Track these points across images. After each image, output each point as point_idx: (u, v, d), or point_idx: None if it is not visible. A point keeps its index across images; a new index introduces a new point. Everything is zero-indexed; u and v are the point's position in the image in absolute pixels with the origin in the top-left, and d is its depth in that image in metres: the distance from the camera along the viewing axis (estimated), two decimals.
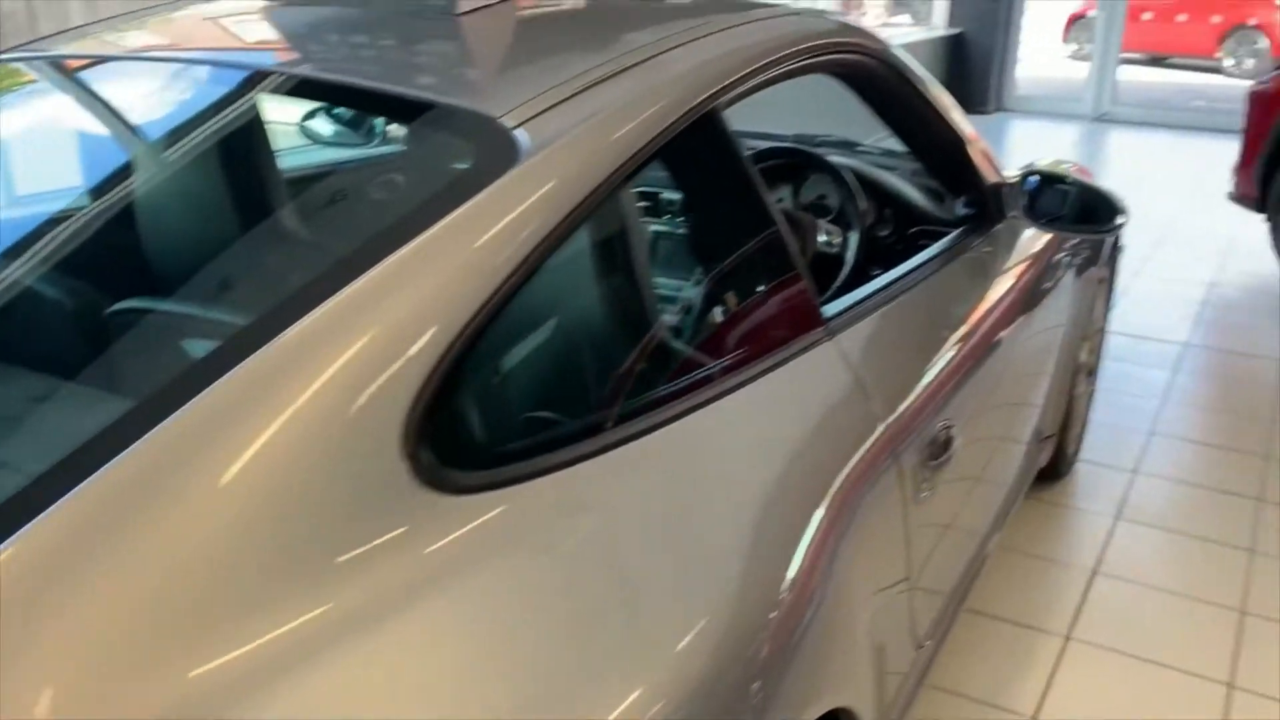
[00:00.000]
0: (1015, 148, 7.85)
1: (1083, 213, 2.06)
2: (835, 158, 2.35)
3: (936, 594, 1.71)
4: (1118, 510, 2.70)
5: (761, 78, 1.40)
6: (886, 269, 1.72)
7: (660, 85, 1.23)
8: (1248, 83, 4.97)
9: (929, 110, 1.88)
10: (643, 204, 2.04)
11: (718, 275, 1.41)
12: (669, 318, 1.41)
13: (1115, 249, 2.86)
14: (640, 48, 1.29)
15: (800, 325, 1.35)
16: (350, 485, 0.83)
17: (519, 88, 1.17)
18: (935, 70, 8.74)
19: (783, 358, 1.29)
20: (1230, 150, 4.84)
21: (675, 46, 1.32)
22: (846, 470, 1.27)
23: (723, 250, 1.39)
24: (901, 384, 1.48)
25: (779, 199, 2.28)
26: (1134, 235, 5.23)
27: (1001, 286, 1.97)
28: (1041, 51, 13.31)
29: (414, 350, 0.86)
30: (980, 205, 2.03)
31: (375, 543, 0.82)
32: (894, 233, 2.23)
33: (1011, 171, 2.15)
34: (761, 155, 2.28)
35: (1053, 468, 2.69)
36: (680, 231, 1.93)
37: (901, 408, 1.43)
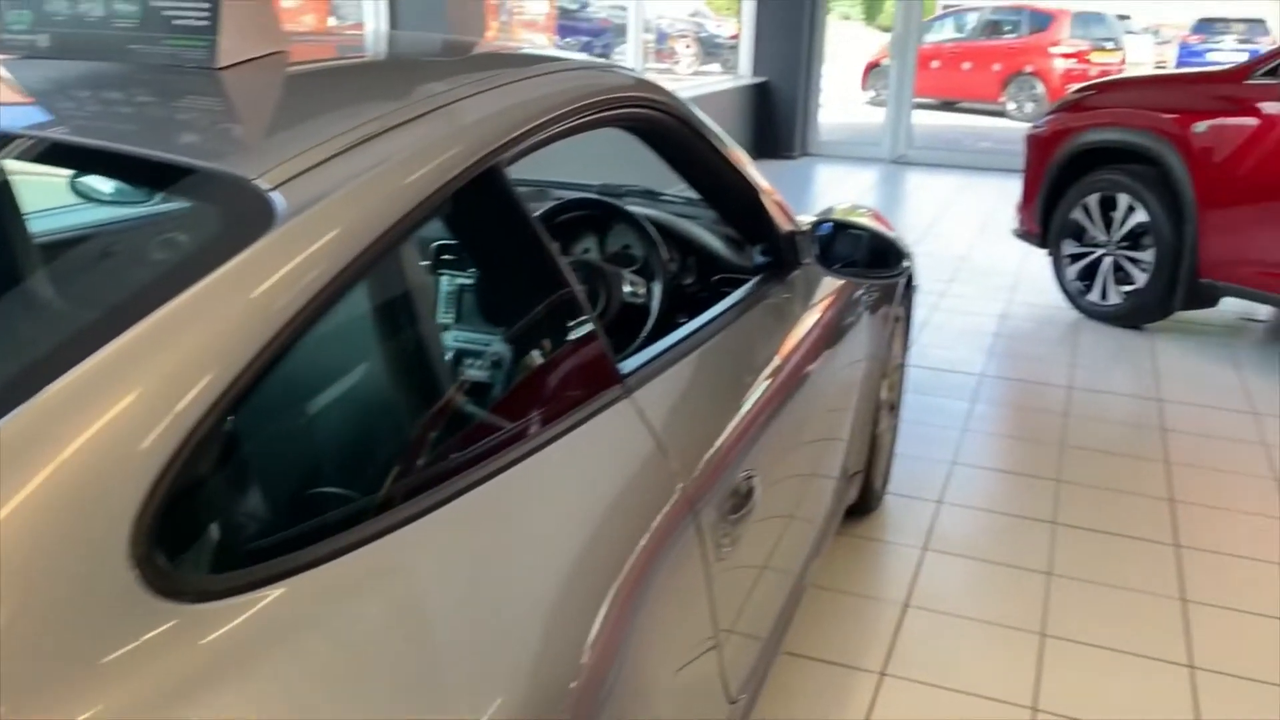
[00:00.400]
0: (821, 191, 8.19)
1: (872, 258, 2.13)
2: (639, 208, 2.36)
3: (750, 643, 1.70)
4: (925, 541, 2.79)
5: (548, 132, 1.37)
6: (692, 318, 1.72)
7: (437, 141, 1.18)
8: (1028, 125, 5.35)
9: (722, 163, 1.90)
10: (442, 259, 1.98)
11: (508, 336, 1.37)
12: (459, 383, 1.36)
13: (909, 289, 2.98)
14: (418, 102, 1.23)
15: (595, 384, 1.31)
16: (83, 597, 0.73)
17: (280, 146, 1.09)
18: (744, 117, 9.06)
19: (578, 419, 1.25)
20: (1015, 189, 5.17)
21: (455, 101, 1.27)
22: (645, 534, 1.24)
23: (511, 310, 1.35)
24: (701, 438, 1.47)
25: (585, 250, 2.26)
26: (930, 272, 5.53)
27: (799, 331, 2.00)
28: (844, 98, 14.07)
29: (143, 446, 0.77)
30: (776, 253, 2.06)
31: (110, 658, 0.73)
32: (698, 281, 2.26)
33: (805, 219, 2.20)
34: (566, 206, 2.26)
35: (862, 503, 2.75)
36: (470, 292, 1.88)
37: (701, 464, 1.41)
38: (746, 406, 1.65)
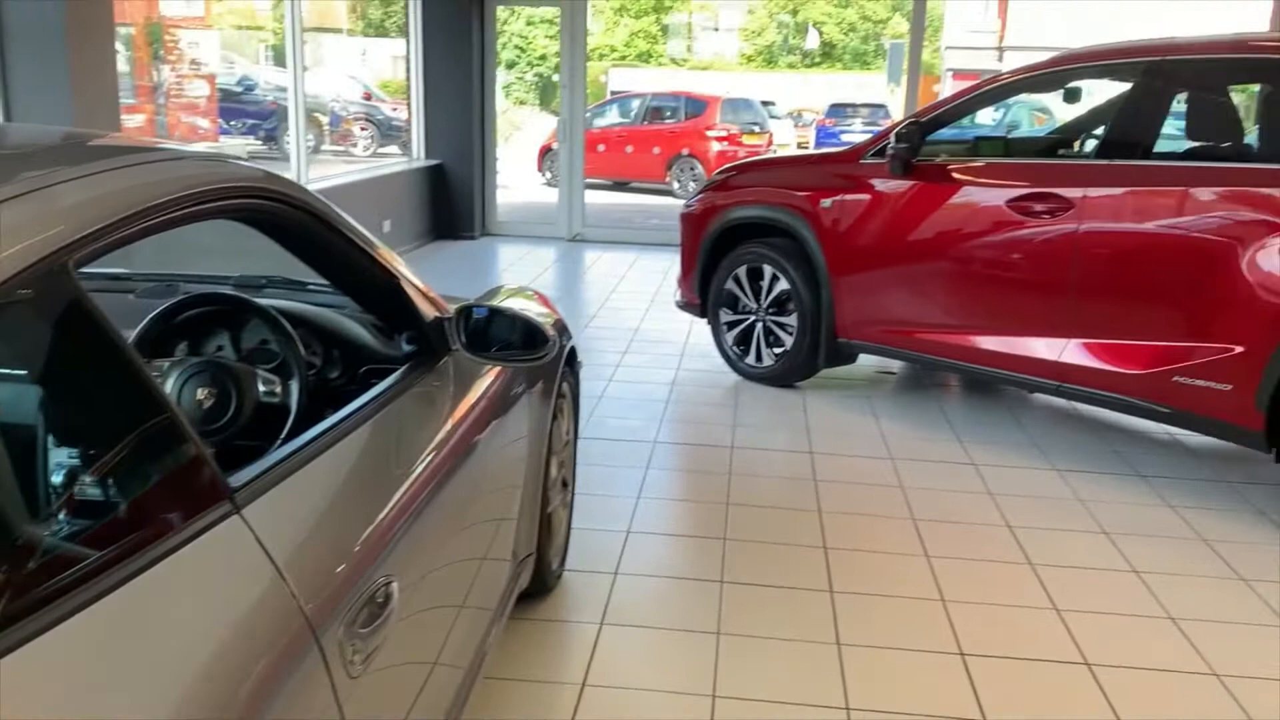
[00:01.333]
0: (502, 270, 8.27)
1: (525, 340, 2.14)
2: (281, 300, 2.25)
3: None
4: (602, 616, 2.81)
5: (134, 228, 1.25)
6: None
7: None
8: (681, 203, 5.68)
9: (358, 254, 1.85)
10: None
11: (86, 453, 1.23)
12: (31, 509, 1.20)
13: (573, 366, 3.04)
14: None
15: (194, 502, 1.20)
16: None
17: None
18: (421, 199, 9.04)
19: (171, 545, 1.13)
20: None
21: (10, 198, 1.14)
22: (256, 665, 1.14)
23: (87, 423, 1.21)
24: (326, 549, 1.38)
25: (219, 348, 2.12)
26: (606, 345, 5.72)
27: (449, 419, 1.97)
28: (525, 180, 14.47)
29: None
30: (423, 341, 2.03)
31: None
32: (345, 374, 2.17)
33: (460, 303, 2.18)
34: (193, 301, 2.12)
35: (538, 585, 2.73)
36: (49, 405, 1.69)
37: (324, 578, 1.33)
38: (387, 505, 1.58)
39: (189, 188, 1.40)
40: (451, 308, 2.13)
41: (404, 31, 9.32)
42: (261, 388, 1.96)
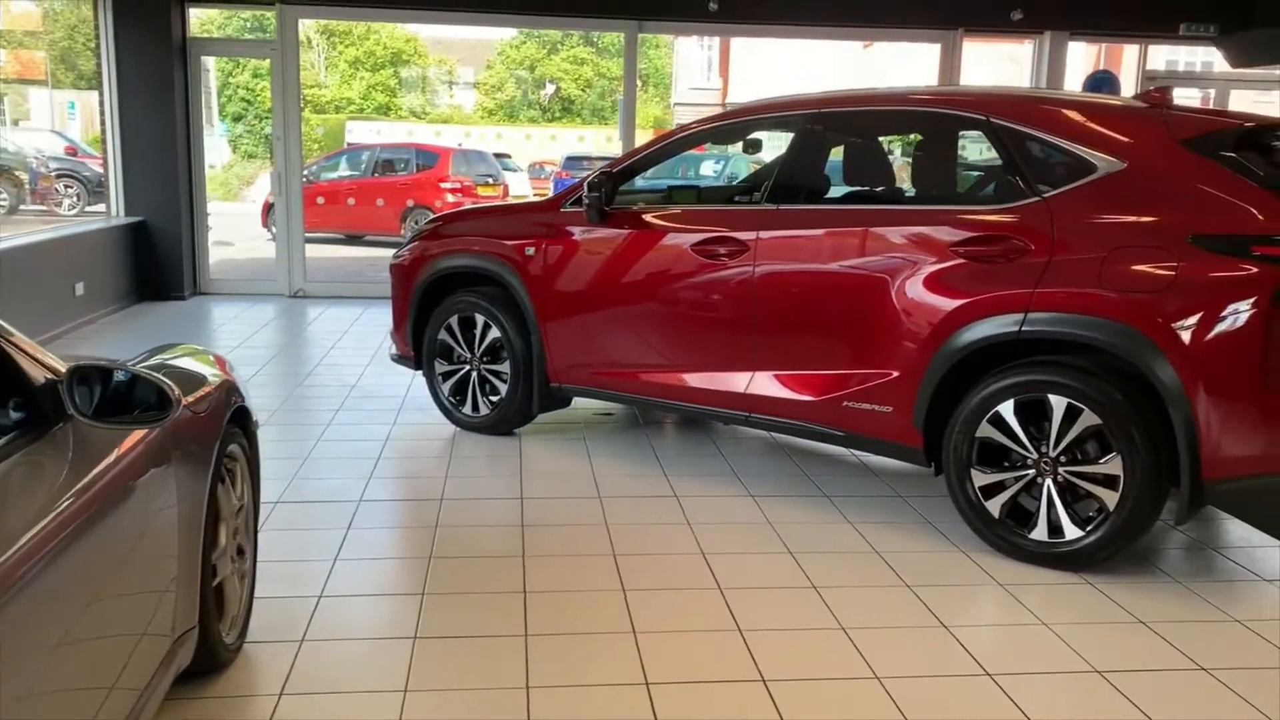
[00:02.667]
0: (214, 330, 7.84)
1: (159, 402, 2.02)
2: None
3: None
4: (282, 687, 2.67)
5: None
6: None
7: None
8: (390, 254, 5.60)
9: None
10: None
11: None
12: None
13: (246, 426, 2.89)
14: None
15: None
16: None
17: None
18: (122, 258, 8.47)
19: None
20: None
21: None
22: None
23: None
24: None
25: None
26: (319, 403, 5.53)
27: (58, 492, 1.82)
28: (256, 236, 13.87)
29: None
30: (33, 407, 1.87)
31: None
32: None
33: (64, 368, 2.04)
34: None
35: (207, 661, 2.56)
36: None
37: None
38: None
39: None
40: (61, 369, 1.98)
41: (97, 82, 8.72)
42: None
